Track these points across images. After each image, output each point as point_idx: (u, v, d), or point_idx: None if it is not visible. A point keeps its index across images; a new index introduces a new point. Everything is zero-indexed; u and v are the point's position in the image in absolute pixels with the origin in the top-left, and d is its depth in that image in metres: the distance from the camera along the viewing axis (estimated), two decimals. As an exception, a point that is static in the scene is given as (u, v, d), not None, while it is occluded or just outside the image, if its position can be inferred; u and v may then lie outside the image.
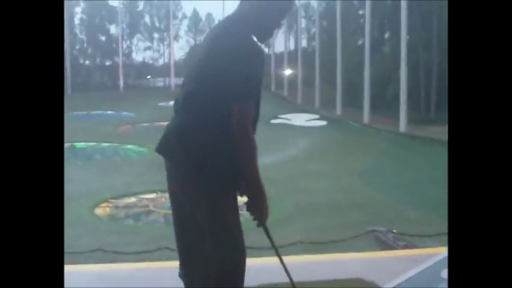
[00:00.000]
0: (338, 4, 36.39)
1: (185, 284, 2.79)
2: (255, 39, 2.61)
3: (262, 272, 4.54)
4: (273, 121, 28.24)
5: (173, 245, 2.83)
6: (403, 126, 26.37)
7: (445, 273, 3.24)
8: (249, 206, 2.65)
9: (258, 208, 2.66)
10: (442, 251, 3.57)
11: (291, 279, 3.03)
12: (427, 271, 3.58)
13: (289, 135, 24.34)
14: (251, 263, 5.16)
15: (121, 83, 55.87)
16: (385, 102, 32.64)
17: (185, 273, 2.77)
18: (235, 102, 2.48)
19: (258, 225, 2.71)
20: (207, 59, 2.63)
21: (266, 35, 2.69)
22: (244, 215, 2.74)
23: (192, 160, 2.60)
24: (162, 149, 2.72)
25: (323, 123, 28.04)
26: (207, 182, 2.59)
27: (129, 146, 21.55)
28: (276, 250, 2.94)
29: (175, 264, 2.83)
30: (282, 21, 2.78)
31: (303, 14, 53.20)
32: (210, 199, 2.59)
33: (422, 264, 3.78)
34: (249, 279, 4.18)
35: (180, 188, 2.69)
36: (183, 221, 2.72)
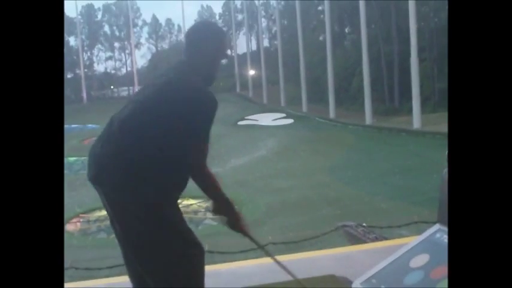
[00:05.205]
0: (297, 2, 36.52)
1: None
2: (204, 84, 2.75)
3: (236, 276, 4.52)
4: (240, 123, 28.24)
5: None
6: (368, 118, 26.57)
7: (414, 263, 3.26)
8: (229, 223, 2.80)
9: (237, 222, 2.81)
10: (411, 240, 3.60)
11: (291, 273, 3.15)
12: (395, 262, 3.59)
13: (257, 136, 24.32)
14: (228, 267, 5.12)
15: (84, 95, 55.23)
16: (349, 96, 32.88)
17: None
18: (195, 142, 2.63)
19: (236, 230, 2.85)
20: (157, 96, 2.68)
21: (214, 79, 2.85)
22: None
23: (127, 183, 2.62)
24: (96, 178, 2.72)
25: (290, 121, 28.12)
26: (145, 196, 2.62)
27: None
28: (264, 249, 3.10)
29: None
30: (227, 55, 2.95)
31: (263, 13, 53.29)
32: (149, 209, 2.64)
33: (390, 256, 3.80)
34: (226, 283, 4.17)
35: (120, 208, 2.73)
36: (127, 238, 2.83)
